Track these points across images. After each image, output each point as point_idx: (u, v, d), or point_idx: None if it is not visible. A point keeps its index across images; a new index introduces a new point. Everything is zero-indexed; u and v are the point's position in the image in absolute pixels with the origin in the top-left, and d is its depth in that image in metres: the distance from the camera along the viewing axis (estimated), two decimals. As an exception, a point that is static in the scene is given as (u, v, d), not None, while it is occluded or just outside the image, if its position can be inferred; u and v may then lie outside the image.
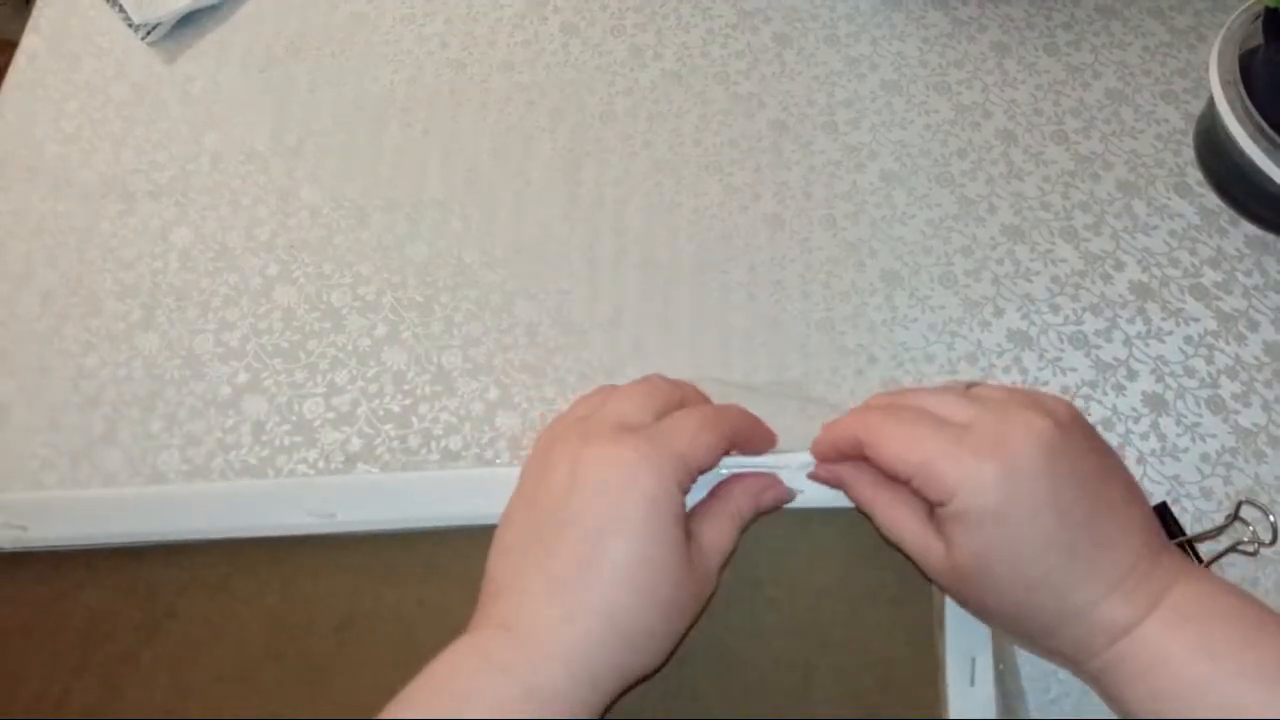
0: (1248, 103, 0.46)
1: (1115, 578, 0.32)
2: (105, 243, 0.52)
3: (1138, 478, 0.45)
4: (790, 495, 0.40)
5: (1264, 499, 0.44)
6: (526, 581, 0.34)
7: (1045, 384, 0.47)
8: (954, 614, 0.39)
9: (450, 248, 0.52)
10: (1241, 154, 0.46)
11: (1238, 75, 0.47)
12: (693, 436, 0.35)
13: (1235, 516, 0.43)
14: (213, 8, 0.60)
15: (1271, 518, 0.43)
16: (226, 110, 0.56)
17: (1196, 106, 0.54)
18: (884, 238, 0.51)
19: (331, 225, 0.53)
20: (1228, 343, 0.47)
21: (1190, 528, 0.43)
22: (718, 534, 0.37)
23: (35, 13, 0.61)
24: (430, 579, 0.42)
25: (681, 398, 0.39)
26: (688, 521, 0.36)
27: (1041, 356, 0.47)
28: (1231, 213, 0.51)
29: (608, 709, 0.34)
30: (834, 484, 0.39)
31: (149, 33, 0.59)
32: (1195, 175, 0.52)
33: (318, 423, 0.47)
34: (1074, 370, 0.47)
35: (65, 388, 0.49)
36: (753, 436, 0.39)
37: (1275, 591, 0.42)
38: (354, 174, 0.54)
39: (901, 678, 0.39)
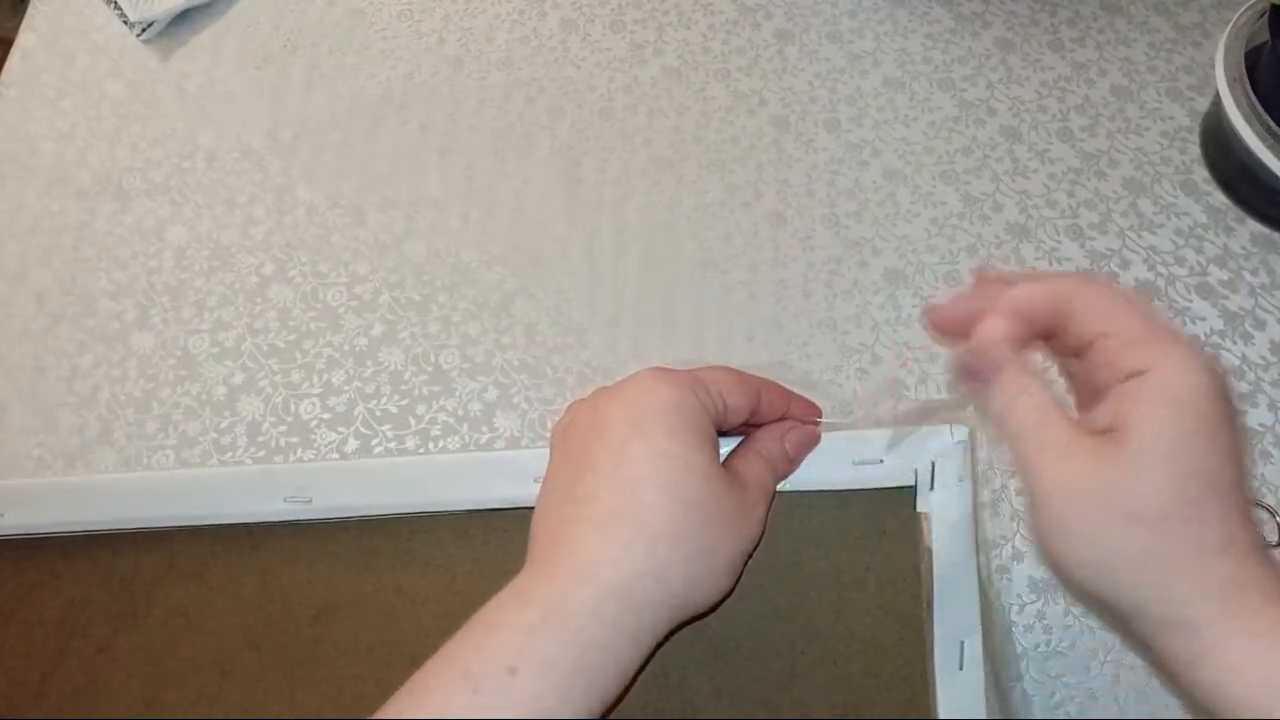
0: (1253, 100, 0.45)
1: (1252, 543, 0.29)
2: (100, 241, 0.52)
3: (1144, 479, 0.44)
4: (816, 436, 0.39)
5: (1271, 500, 0.44)
6: (561, 509, 0.33)
7: (1052, 383, 0.46)
8: (943, 599, 0.39)
9: (448, 246, 0.51)
10: (1248, 151, 0.46)
11: (1243, 72, 0.46)
12: (716, 374, 0.35)
13: (1242, 518, 0.42)
14: (208, 5, 0.59)
15: (1278, 519, 0.42)
16: (222, 108, 0.56)
17: (1202, 104, 0.53)
18: (887, 236, 0.50)
19: (328, 224, 0.52)
20: (1234, 342, 0.47)
21: (1197, 530, 0.43)
22: (752, 470, 0.36)
23: (30, 10, 0.61)
24: (409, 566, 0.41)
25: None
26: (727, 463, 0.36)
27: (1047, 356, 0.47)
28: (1238, 211, 0.50)
29: (664, 639, 0.32)
30: (986, 369, 0.33)
31: (144, 30, 0.58)
32: (1201, 173, 0.51)
33: (314, 423, 0.47)
34: (1079, 370, 0.47)
35: (60, 388, 0.48)
36: (787, 402, 0.39)
37: (1283, 594, 0.42)
38: (350, 172, 0.54)
39: (890, 663, 0.39)
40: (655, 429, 0.33)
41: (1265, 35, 0.46)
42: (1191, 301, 0.48)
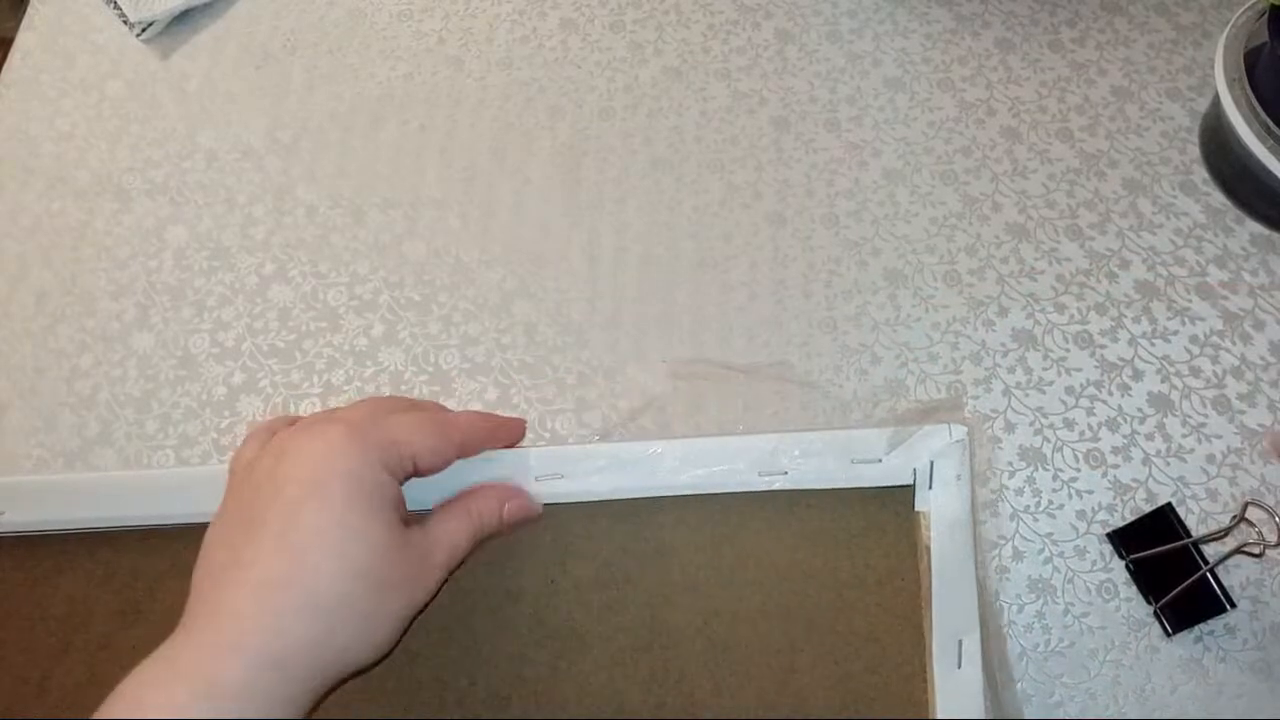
0: (1253, 100, 0.45)
1: None
2: (100, 241, 0.52)
3: (1143, 479, 0.44)
4: (536, 511, 0.39)
5: (1270, 500, 0.44)
6: (223, 571, 0.32)
7: (1050, 384, 0.46)
8: (941, 597, 0.39)
9: (448, 246, 0.51)
10: (1247, 152, 0.46)
11: (1243, 73, 0.46)
12: (409, 430, 0.35)
13: (1241, 518, 0.42)
14: (208, 5, 0.59)
15: (1277, 519, 0.42)
16: (222, 108, 0.56)
17: (1202, 104, 0.53)
18: (887, 236, 0.50)
19: (328, 224, 0.52)
20: (1233, 342, 0.47)
21: (1195, 530, 0.43)
22: (448, 530, 0.36)
23: (30, 10, 0.61)
24: None
25: (413, 405, 0.38)
26: (429, 517, 0.35)
27: (1046, 356, 0.47)
28: (1237, 211, 0.50)
29: (323, 698, 0.32)
30: None
31: (144, 30, 0.58)
32: (1201, 173, 0.51)
33: (314, 423, 0.47)
34: (1079, 370, 0.47)
35: (60, 388, 0.48)
36: (492, 439, 0.39)
37: (1282, 594, 0.42)
38: (350, 172, 0.54)
39: (888, 661, 0.39)
40: (333, 495, 0.32)
41: (1264, 36, 0.46)
42: (1191, 302, 0.48)
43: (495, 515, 0.38)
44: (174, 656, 0.30)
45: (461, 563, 0.36)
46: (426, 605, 0.35)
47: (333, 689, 0.33)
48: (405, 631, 0.34)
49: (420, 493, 0.38)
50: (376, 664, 0.34)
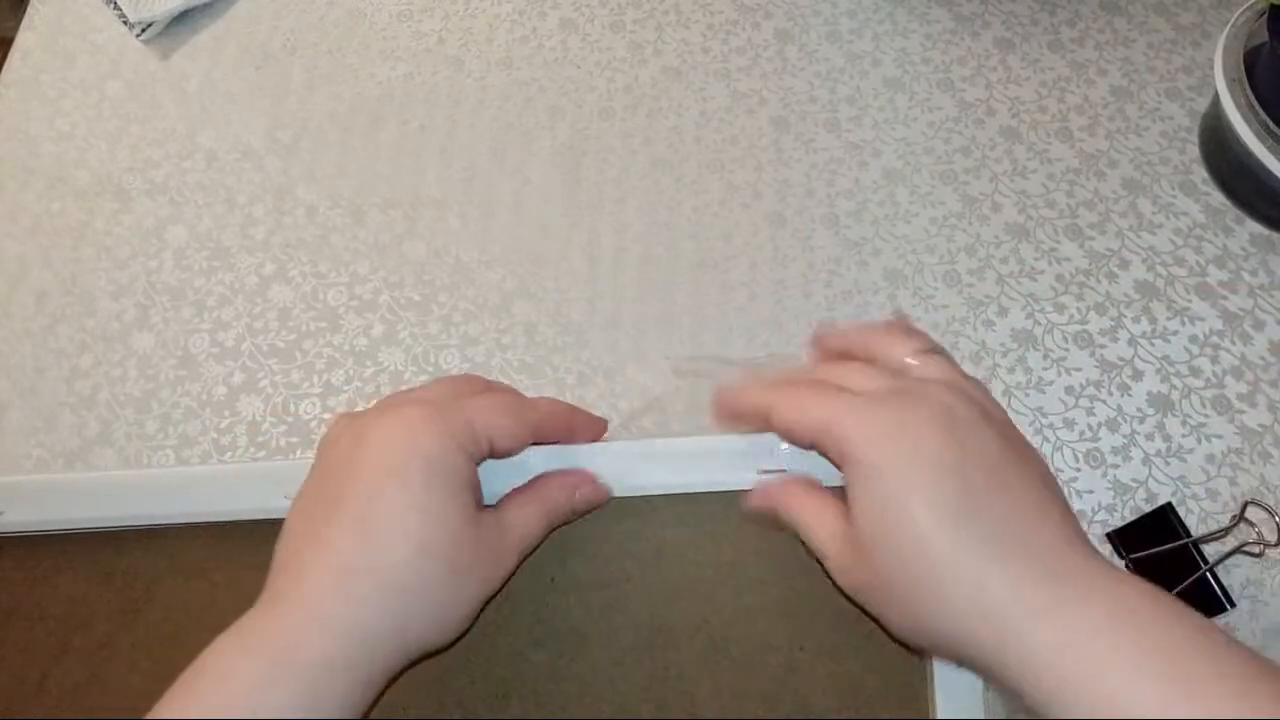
0: (1253, 100, 0.45)
1: (1028, 572, 0.29)
2: (100, 241, 0.52)
3: (1143, 479, 0.44)
4: (606, 495, 0.39)
5: (1270, 500, 0.44)
6: (303, 552, 0.32)
7: (1050, 384, 0.46)
8: None
9: (448, 246, 0.51)
10: (1247, 152, 0.46)
11: (1242, 73, 0.46)
12: (488, 413, 0.35)
13: (1241, 517, 0.42)
14: (208, 5, 0.59)
15: (1277, 519, 0.42)
16: (222, 108, 0.56)
17: (1201, 104, 0.53)
18: (887, 236, 0.50)
19: (328, 224, 0.52)
20: (1233, 342, 0.47)
21: (1195, 529, 0.43)
22: (522, 515, 0.36)
23: (30, 10, 0.61)
24: None
25: (489, 387, 0.38)
26: (501, 503, 0.36)
27: (1046, 356, 0.47)
28: (1237, 211, 0.50)
29: (392, 681, 0.32)
30: (769, 501, 0.38)
31: (144, 30, 0.58)
32: (1200, 173, 0.51)
33: (314, 423, 0.47)
34: (1079, 370, 0.47)
35: (60, 388, 0.48)
36: (569, 428, 0.38)
37: (1282, 594, 0.42)
38: (350, 172, 0.54)
39: (888, 656, 0.39)
40: (411, 478, 0.32)
41: (1264, 35, 0.46)
42: (1190, 302, 0.48)
43: (567, 501, 0.38)
44: (255, 630, 0.31)
45: (534, 549, 0.36)
46: (500, 589, 0.35)
47: (405, 669, 0.33)
48: (479, 614, 0.34)
49: (488, 484, 0.37)
50: (450, 646, 0.34)
